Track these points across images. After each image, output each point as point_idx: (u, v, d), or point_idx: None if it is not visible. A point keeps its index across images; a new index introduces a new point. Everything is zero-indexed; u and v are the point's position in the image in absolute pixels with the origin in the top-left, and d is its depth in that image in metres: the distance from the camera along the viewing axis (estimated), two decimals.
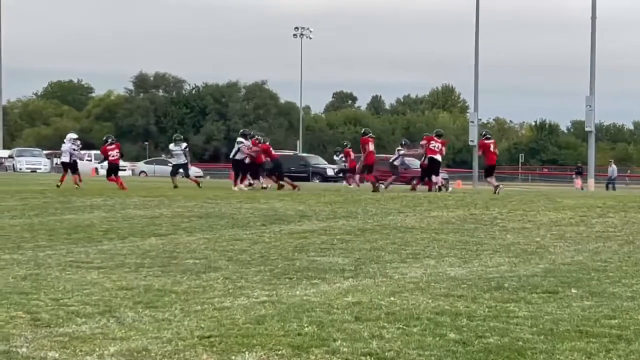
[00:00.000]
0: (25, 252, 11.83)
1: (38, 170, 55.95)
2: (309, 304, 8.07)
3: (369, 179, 29.84)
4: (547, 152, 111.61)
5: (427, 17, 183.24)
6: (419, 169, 32.04)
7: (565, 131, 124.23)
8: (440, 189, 28.27)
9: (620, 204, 20.76)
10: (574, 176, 57.95)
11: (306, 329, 7.00)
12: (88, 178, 36.00)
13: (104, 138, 31.20)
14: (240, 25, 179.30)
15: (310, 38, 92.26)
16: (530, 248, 12.61)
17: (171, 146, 31.36)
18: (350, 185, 34.88)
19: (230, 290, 8.83)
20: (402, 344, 6.56)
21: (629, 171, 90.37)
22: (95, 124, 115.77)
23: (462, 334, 6.85)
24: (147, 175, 58.00)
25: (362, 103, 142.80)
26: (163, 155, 41.63)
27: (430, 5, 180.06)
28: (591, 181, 46.67)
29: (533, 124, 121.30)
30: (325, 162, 54.88)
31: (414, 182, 30.89)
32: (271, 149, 30.60)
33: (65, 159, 30.38)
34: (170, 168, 32.96)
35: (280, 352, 6.32)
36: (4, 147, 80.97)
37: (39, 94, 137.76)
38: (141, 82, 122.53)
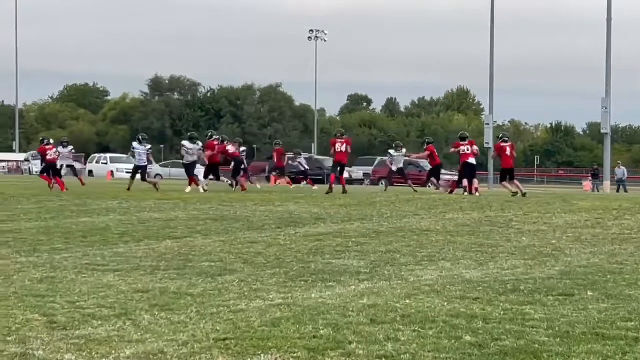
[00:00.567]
0: (41, 255, 11.87)
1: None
2: (325, 306, 8.07)
3: (333, 179, 29.78)
4: (562, 154, 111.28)
5: (442, 19, 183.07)
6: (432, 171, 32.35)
7: (581, 133, 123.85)
8: (471, 192, 28.14)
9: (636, 206, 20.68)
10: (590, 178, 57.76)
11: (322, 331, 7.00)
12: (97, 181, 36.05)
13: (40, 139, 32.34)
14: (255, 28, 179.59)
15: (325, 41, 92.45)
16: (546, 250, 12.58)
17: (135, 144, 29.84)
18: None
19: (246, 293, 8.85)
20: (417, 346, 6.55)
21: None
22: (111, 127, 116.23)
23: (478, 337, 6.83)
24: (162, 177, 58.06)
25: (377, 105, 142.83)
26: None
27: (445, 7, 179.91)
28: (607, 183, 46.52)
29: (549, 126, 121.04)
30: None
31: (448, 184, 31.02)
32: (228, 148, 30.50)
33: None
34: (183, 170, 32.75)
35: (296, 354, 6.32)
36: (20, 151, 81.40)
37: (55, 97, 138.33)
38: (156, 85, 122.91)
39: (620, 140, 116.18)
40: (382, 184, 33.77)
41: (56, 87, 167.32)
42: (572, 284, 9.47)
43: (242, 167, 31.17)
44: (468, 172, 29.07)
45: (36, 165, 58.93)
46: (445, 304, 8.22)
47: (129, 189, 27.86)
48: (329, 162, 57.43)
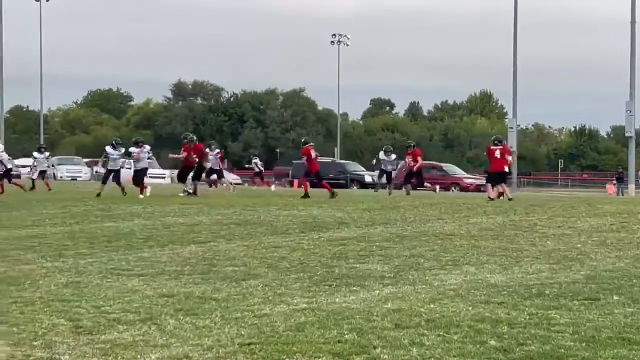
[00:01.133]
0: (66, 260, 11.93)
1: (78, 179, 56.36)
2: (349, 311, 8.07)
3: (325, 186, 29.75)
4: (586, 158, 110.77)
5: (465, 22, 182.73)
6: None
7: (605, 136, 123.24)
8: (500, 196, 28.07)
9: None
10: (614, 182, 57.44)
11: (346, 336, 7.00)
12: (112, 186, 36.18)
13: None
14: (278, 32, 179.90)
15: (348, 45, 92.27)
16: (571, 254, 12.52)
17: (108, 149, 29.15)
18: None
19: (270, 298, 8.85)
20: (442, 351, 6.54)
21: None
22: (134, 132, 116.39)
23: (503, 342, 6.81)
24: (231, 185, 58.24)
25: (400, 109, 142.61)
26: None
27: (469, 10, 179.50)
28: (631, 187, 46.29)
29: (572, 129, 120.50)
30: (364, 169, 54.85)
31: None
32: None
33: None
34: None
35: (320, 359, 6.33)
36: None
37: (79, 102, 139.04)
38: (180, 90, 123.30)
39: None
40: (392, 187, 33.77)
41: (80, 92, 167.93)
42: (598, 288, 9.43)
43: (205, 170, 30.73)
44: (502, 177, 29.24)
45: (60, 170, 59.25)
46: (470, 308, 8.20)
47: (99, 195, 26.76)
48: (351, 166, 57.61)
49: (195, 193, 28.62)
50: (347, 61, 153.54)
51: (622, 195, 48.11)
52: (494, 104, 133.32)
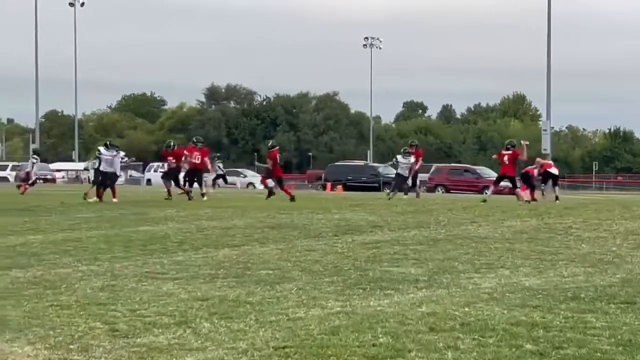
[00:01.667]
0: (102, 264, 12.00)
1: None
2: (383, 314, 8.06)
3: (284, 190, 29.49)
4: (621, 160, 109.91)
5: (497, 24, 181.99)
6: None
7: None
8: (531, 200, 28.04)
9: None
10: None
11: (381, 339, 6.99)
12: (155, 189, 36.35)
13: None
14: (310, 36, 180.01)
15: (380, 48, 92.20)
16: (606, 258, 12.43)
17: (102, 149, 29.01)
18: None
19: (304, 301, 8.86)
20: (477, 355, 6.51)
21: None
22: (168, 136, 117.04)
23: (538, 345, 6.78)
24: (219, 186, 58.39)
25: (433, 112, 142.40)
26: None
27: (501, 12, 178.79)
28: None
29: (607, 131, 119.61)
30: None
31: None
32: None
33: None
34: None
35: None
36: (80, 160, 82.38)
37: (113, 107, 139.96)
38: (213, 94, 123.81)
39: None
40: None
41: (114, 97, 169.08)
42: (634, 291, 9.35)
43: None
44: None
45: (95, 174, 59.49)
46: (505, 312, 8.16)
47: (85, 198, 26.85)
48: (384, 169, 57.49)
49: (169, 195, 28.99)
50: (380, 64, 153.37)
51: None
52: (527, 106, 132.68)
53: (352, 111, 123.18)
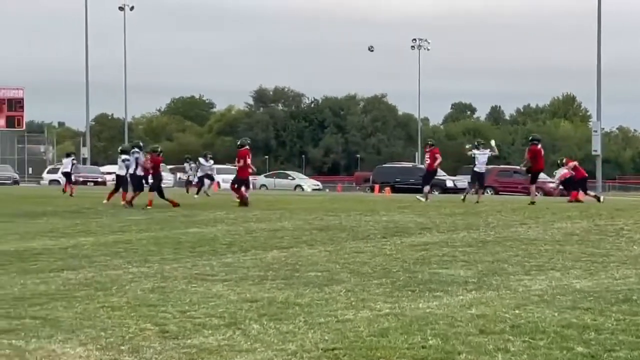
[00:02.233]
0: (152, 265, 12.10)
1: (162, 185, 57.03)
2: (432, 316, 8.03)
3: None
4: None
5: (547, 24, 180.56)
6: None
7: None
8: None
9: None
10: None
11: (430, 341, 6.97)
12: (204, 192, 36.57)
13: None
14: (358, 38, 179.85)
15: (428, 49, 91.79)
16: None
17: (202, 160, 31.00)
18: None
19: (353, 303, 8.86)
20: (528, 357, 6.47)
21: None
22: (216, 138, 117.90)
23: (590, 348, 6.71)
24: (267, 188, 58.64)
25: (482, 113, 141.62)
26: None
27: (551, 11, 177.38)
28: None
29: None
30: (445, 174, 54.50)
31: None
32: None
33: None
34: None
35: None
36: None
37: (162, 110, 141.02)
38: (261, 96, 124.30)
39: None
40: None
41: (163, 100, 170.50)
42: None
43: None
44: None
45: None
46: (556, 314, 8.09)
47: (131, 203, 26.22)
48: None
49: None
50: (428, 66, 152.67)
51: None
52: (577, 106, 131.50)
53: (400, 113, 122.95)
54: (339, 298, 9.18)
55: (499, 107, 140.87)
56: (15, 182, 64.54)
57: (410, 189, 44.33)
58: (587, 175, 31.24)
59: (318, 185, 62.55)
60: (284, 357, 6.57)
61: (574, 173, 31.51)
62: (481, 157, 28.99)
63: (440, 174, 55.65)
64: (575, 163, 32.53)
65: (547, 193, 42.21)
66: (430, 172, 30.12)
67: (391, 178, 49.81)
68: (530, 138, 28.60)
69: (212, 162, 37.17)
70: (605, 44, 53.15)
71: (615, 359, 6.38)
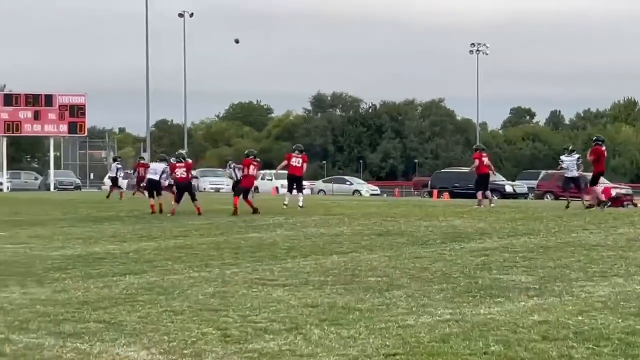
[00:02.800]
0: (212, 270, 12.18)
1: (221, 190, 57.41)
2: (494, 322, 7.98)
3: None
4: None
5: (607, 27, 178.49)
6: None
7: None
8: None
9: None
10: None
11: (492, 347, 6.93)
12: (262, 197, 36.74)
13: None
14: (416, 43, 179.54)
15: (487, 54, 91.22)
16: None
17: (153, 163, 29.31)
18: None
19: (414, 308, 8.84)
20: None
21: None
22: (275, 144, 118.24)
23: None
24: (325, 193, 58.71)
25: (541, 118, 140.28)
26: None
27: (611, 14, 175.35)
28: None
29: None
30: (504, 179, 54.10)
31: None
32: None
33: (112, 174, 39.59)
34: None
35: None
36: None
37: (221, 115, 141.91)
38: (319, 102, 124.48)
39: None
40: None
41: (222, 105, 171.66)
42: None
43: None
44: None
45: (203, 182, 60.44)
46: (620, 320, 8.00)
47: (157, 211, 25.84)
48: (492, 176, 56.80)
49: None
50: (486, 70, 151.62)
51: None
52: (638, 110, 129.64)
53: (459, 118, 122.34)
54: (399, 303, 9.16)
55: (559, 111, 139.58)
56: (77, 188, 65.46)
57: (469, 194, 44.06)
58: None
59: (376, 190, 62.45)
60: None
61: None
62: (568, 163, 28.23)
63: (499, 178, 55.34)
64: None
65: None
66: (480, 176, 29.71)
67: (450, 183, 49.50)
68: (594, 138, 27.52)
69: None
70: None
71: None
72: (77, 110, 60.97)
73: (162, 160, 28.59)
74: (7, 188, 60.91)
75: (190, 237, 17.28)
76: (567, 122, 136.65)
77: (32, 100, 60.12)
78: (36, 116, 59.96)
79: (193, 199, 25.20)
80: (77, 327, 8.09)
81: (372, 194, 58.69)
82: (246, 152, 27.48)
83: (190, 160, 27.00)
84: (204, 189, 59.25)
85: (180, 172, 25.43)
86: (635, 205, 28.96)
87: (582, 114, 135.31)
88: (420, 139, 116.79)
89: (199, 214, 24.14)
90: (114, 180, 39.27)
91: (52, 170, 63.93)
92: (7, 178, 62.92)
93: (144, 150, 74.03)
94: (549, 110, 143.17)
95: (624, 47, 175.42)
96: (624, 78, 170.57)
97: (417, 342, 7.20)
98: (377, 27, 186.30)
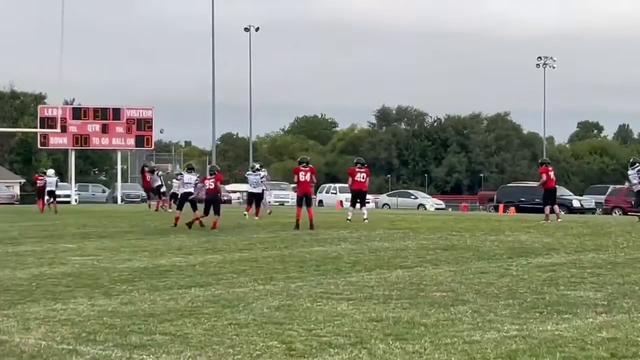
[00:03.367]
0: (277, 283, 12.21)
1: (286, 203, 57.68)
2: (561, 339, 7.88)
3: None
4: None
5: None
6: None
7: None
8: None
9: None
10: None
11: None
12: (327, 210, 36.73)
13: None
14: (482, 57, 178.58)
15: (554, 67, 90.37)
16: None
17: (184, 174, 28.98)
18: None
19: (480, 324, 8.76)
20: None
21: None
22: (339, 157, 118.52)
23: None
24: (389, 207, 58.60)
25: (609, 132, 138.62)
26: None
27: None
28: None
29: None
30: (571, 193, 53.47)
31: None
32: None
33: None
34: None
35: None
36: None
37: (286, 129, 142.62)
38: (384, 115, 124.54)
39: None
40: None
41: (287, 119, 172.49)
42: None
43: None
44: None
45: (269, 195, 60.71)
46: None
47: (193, 223, 25.15)
48: (558, 190, 56.15)
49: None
50: (553, 84, 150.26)
51: None
52: None
53: (525, 131, 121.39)
54: (465, 319, 9.09)
55: (627, 125, 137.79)
56: (144, 201, 66.21)
57: (536, 209, 43.59)
58: None
59: (441, 204, 62.19)
60: None
61: None
62: (631, 176, 27.69)
63: (567, 193, 54.69)
64: None
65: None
66: (547, 191, 29.27)
67: (516, 197, 49.04)
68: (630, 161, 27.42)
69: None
70: None
71: None
72: (144, 124, 61.79)
73: (190, 169, 29.12)
74: (75, 200, 61.88)
75: (255, 250, 17.36)
76: (635, 136, 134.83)
77: (100, 113, 61.14)
78: (104, 130, 60.94)
79: (216, 212, 25.07)
80: (143, 339, 8.16)
81: (437, 208, 58.43)
82: (299, 159, 27.71)
83: (220, 174, 27.25)
84: (269, 202, 59.56)
85: (209, 183, 25.69)
86: None
87: None
88: (486, 153, 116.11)
89: (214, 228, 24.09)
90: (158, 190, 39.58)
91: (119, 183, 64.84)
92: (75, 190, 63.96)
93: (209, 163, 74.60)
94: (617, 124, 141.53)
95: None
96: None
97: (483, 358, 7.13)
98: (441, 40, 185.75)
